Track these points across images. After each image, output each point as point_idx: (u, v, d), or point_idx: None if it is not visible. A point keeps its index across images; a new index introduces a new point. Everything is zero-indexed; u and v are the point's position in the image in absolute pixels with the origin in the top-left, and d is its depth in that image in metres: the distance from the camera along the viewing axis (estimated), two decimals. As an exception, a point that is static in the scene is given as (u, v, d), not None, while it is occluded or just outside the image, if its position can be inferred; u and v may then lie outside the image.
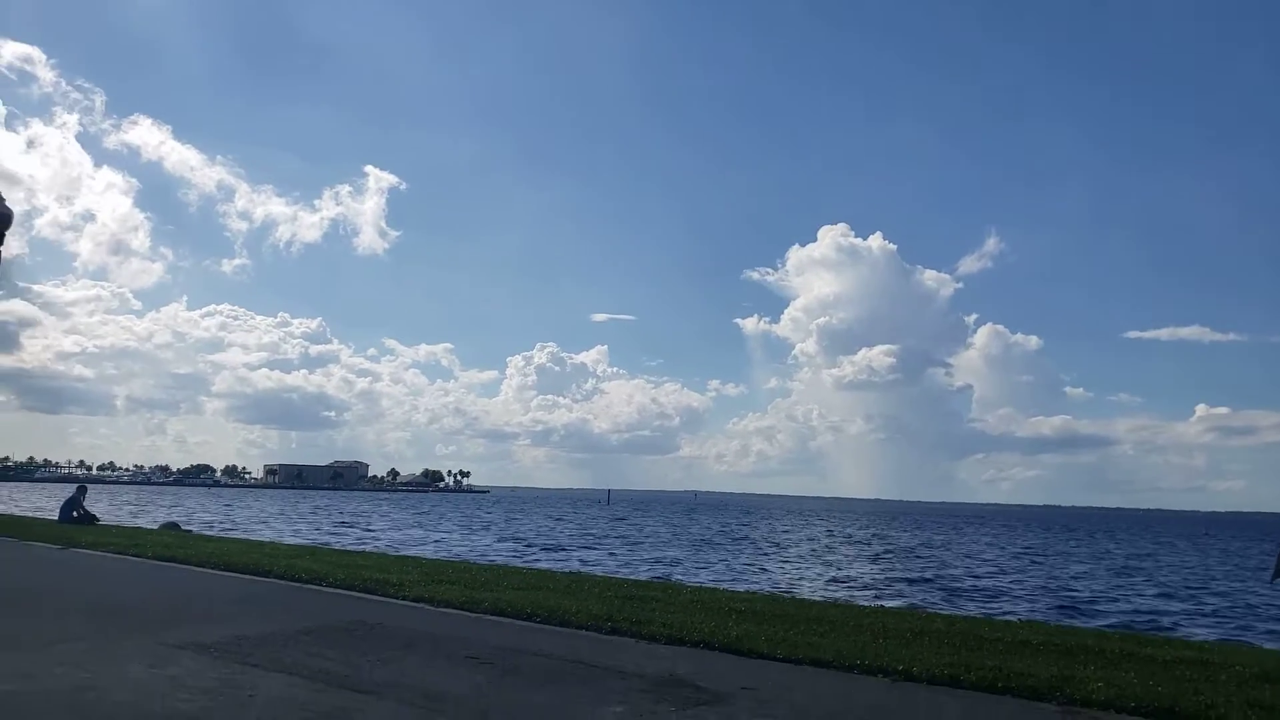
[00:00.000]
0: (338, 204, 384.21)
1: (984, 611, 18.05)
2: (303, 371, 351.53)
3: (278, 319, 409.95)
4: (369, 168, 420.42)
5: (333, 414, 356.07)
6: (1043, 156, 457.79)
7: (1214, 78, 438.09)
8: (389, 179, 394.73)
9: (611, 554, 35.17)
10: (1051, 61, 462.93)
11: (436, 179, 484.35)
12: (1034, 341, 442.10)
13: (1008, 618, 14.20)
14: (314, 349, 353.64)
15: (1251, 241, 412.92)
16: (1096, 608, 21.73)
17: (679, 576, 24.47)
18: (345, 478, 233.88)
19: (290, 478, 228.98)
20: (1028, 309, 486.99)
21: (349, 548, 26.59)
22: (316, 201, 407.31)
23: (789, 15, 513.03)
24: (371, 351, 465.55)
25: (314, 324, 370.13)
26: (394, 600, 10.31)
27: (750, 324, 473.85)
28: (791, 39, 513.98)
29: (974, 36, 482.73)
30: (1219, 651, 8.76)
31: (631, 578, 18.73)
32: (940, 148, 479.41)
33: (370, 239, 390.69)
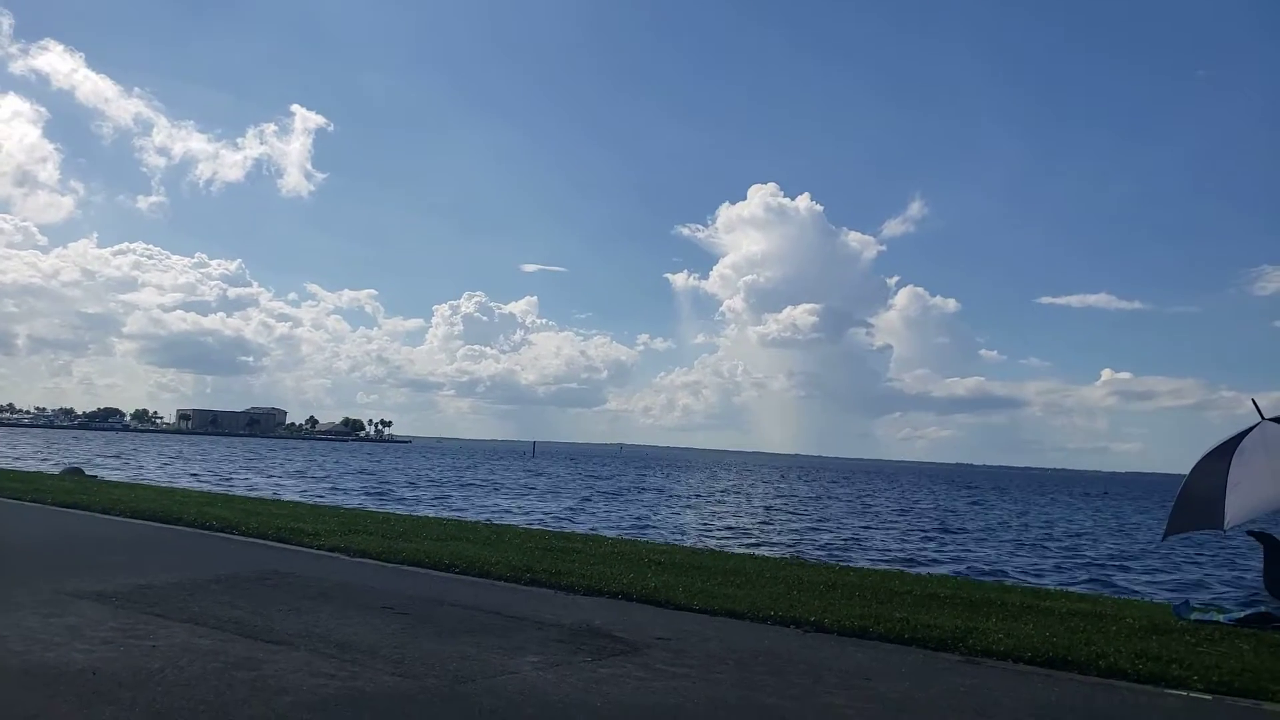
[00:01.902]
0: (262, 143, 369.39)
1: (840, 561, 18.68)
2: (220, 314, 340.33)
3: (195, 259, 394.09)
4: (296, 107, 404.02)
5: (250, 359, 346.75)
6: (967, 125, 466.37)
7: (1129, 54, 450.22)
8: (316, 119, 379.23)
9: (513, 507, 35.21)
10: (977, 35, 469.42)
11: (366, 121, 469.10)
12: (951, 304, 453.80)
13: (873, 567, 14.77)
14: (232, 291, 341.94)
15: (1157, 216, 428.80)
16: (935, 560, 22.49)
17: (581, 528, 24.64)
18: (262, 424, 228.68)
19: (204, 423, 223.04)
20: (947, 272, 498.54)
21: (259, 494, 26.08)
22: (240, 140, 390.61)
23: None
24: (292, 296, 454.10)
25: (233, 266, 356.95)
26: (309, 550, 10.14)
27: (680, 279, 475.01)
28: (731, 4, 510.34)
29: (909, 5, 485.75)
30: (1112, 604, 9.20)
31: (553, 529, 18.79)
32: (870, 113, 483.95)
33: (295, 181, 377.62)
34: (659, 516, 32.37)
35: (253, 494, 26.41)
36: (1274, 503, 6.97)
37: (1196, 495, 7.54)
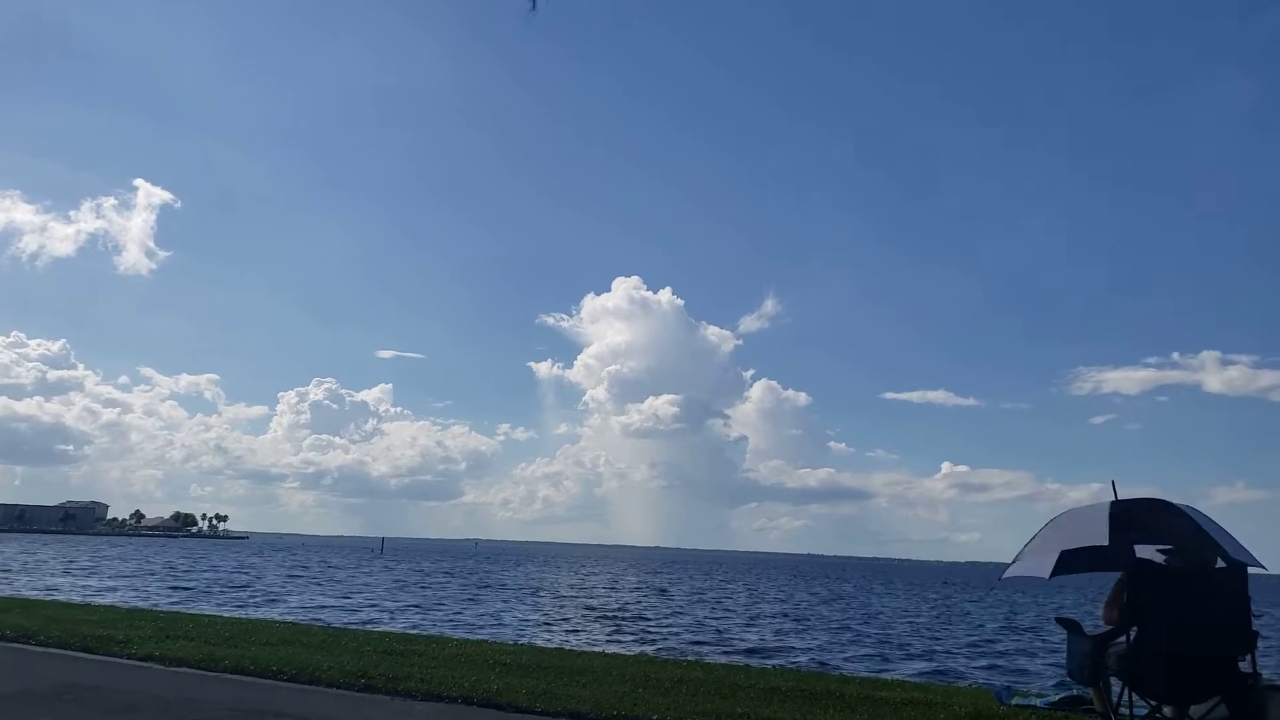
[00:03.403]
0: (99, 217, 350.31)
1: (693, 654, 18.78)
2: (37, 398, 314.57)
3: (10, 338, 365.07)
4: (140, 181, 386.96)
5: (70, 448, 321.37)
6: (818, 230, 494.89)
7: (974, 166, 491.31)
8: (162, 195, 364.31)
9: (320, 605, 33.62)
10: (829, 145, 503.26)
11: (216, 198, 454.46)
12: (803, 397, 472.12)
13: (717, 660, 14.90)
14: (53, 374, 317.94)
15: (989, 320, 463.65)
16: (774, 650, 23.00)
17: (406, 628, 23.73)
18: (79, 520, 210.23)
19: (9, 519, 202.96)
20: (799, 367, 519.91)
21: (64, 598, 23.84)
22: (73, 213, 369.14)
23: (601, 79, 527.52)
24: (124, 380, 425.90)
25: (55, 346, 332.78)
26: (118, 659, 9.32)
27: (544, 368, 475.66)
28: (599, 102, 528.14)
29: (762, 118, 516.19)
30: (941, 692, 9.55)
31: (394, 631, 17.98)
32: (729, 215, 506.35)
33: (134, 258, 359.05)
34: (509, 614, 31.50)
35: (55, 598, 24.12)
36: (1033, 571, 7.42)
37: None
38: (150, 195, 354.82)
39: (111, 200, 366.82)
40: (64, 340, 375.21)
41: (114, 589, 36.43)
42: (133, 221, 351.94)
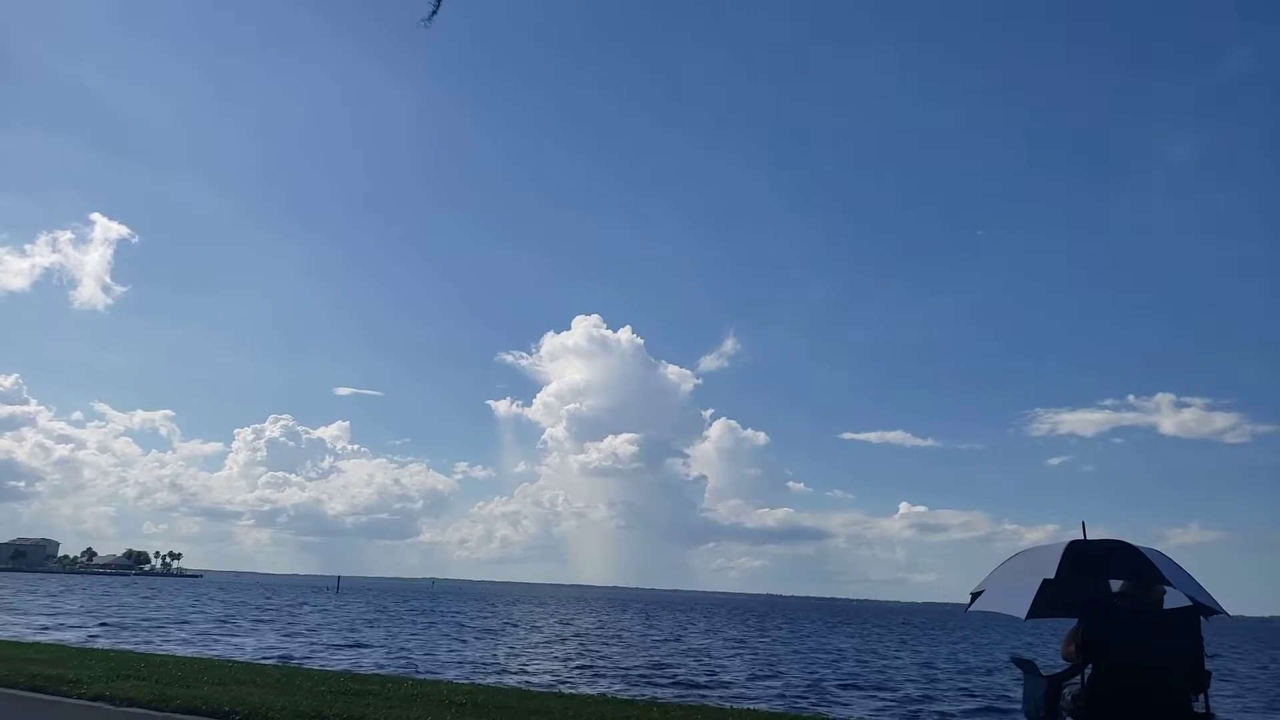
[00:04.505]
0: (55, 251, 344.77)
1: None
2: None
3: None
4: (96, 215, 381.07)
5: (21, 484, 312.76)
6: (777, 269, 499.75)
7: (921, 208, 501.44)
8: (119, 230, 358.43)
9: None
10: (784, 181, 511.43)
11: (174, 233, 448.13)
12: (762, 437, 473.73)
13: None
14: (4, 409, 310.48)
15: (947, 360, 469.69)
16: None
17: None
18: (29, 557, 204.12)
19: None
20: (758, 406, 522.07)
21: (13, 637, 23.18)
22: (29, 246, 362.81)
23: (564, 118, 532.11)
24: (77, 415, 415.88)
25: (8, 381, 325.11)
26: (67, 700, 9.18)
27: (503, 406, 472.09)
28: (560, 140, 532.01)
29: (719, 160, 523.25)
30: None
31: (349, 670, 17.75)
32: (689, 254, 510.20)
33: (90, 293, 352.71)
34: (467, 653, 31.13)
35: (5, 638, 23.44)
36: (1006, 608, 7.59)
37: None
38: (107, 230, 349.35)
39: (68, 234, 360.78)
40: (16, 375, 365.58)
41: (65, 626, 35.49)
42: (89, 256, 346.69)
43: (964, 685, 27.29)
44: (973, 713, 20.48)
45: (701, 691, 21.98)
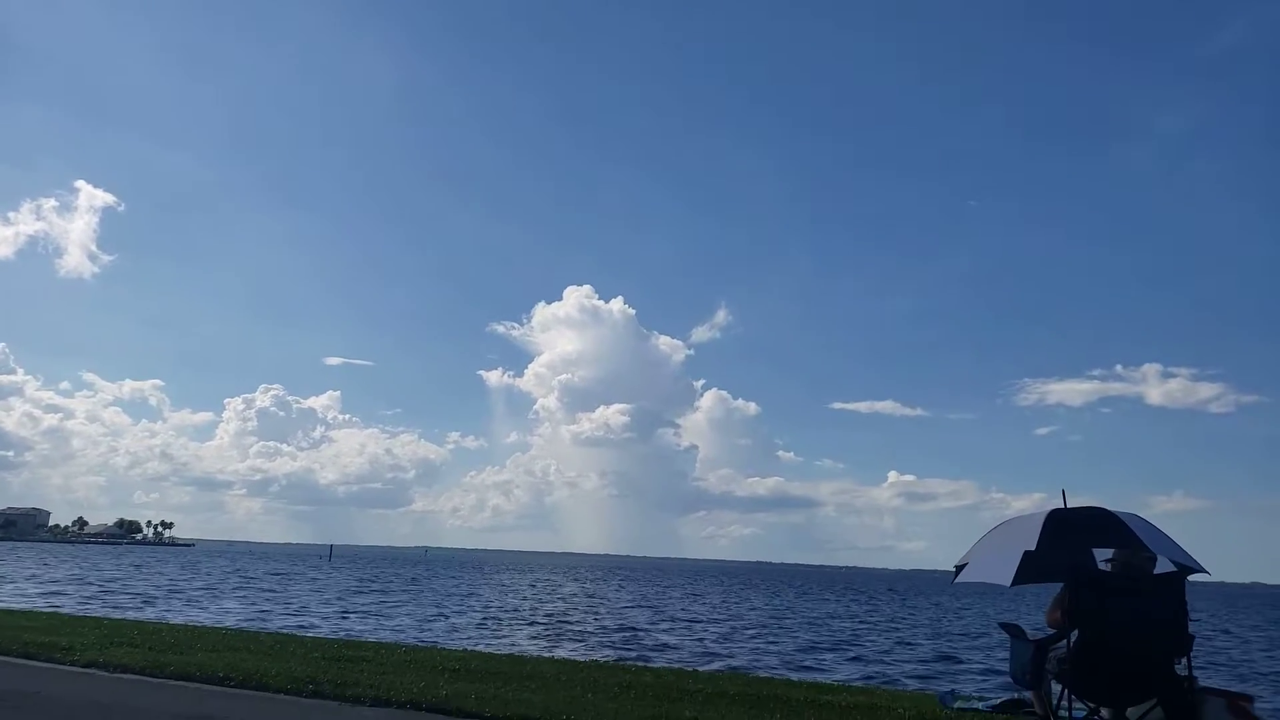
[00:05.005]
0: (39, 219, 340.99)
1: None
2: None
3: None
4: (81, 183, 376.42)
5: (10, 454, 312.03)
6: (768, 239, 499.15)
7: (913, 178, 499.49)
8: (105, 198, 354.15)
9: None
10: (776, 153, 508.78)
11: (161, 202, 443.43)
12: (753, 407, 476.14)
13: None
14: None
15: (936, 331, 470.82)
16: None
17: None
18: (19, 526, 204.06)
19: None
20: (749, 377, 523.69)
21: (6, 605, 23.19)
22: (12, 214, 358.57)
23: (556, 74, 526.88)
24: (65, 385, 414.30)
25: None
26: (60, 666, 9.15)
27: (494, 376, 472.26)
28: (547, 112, 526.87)
29: (710, 129, 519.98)
30: (887, 696, 9.74)
31: (342, 637, 17.80)
32: (680, 223, 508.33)
33: (76, 261, 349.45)
34: (459, 621, 31.30)
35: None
36: (992, 577, 7.68)
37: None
38: (92, 197, 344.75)
39: (52, 202, 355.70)
40: (3, 344, 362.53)
41: (60, 594, 35.55)
42: (74, 224, 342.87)
43: (949, 650, 27.60)
44: (959, 674, 20.71)
45: (693, 655, 22.16)
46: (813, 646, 26.93)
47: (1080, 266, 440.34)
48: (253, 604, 35.77)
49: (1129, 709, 6.94)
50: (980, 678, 19.97)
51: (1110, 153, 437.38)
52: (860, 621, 41.32)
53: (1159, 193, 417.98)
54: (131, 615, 24.45)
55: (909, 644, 29.74)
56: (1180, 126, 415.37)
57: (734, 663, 21.00)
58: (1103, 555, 7.47)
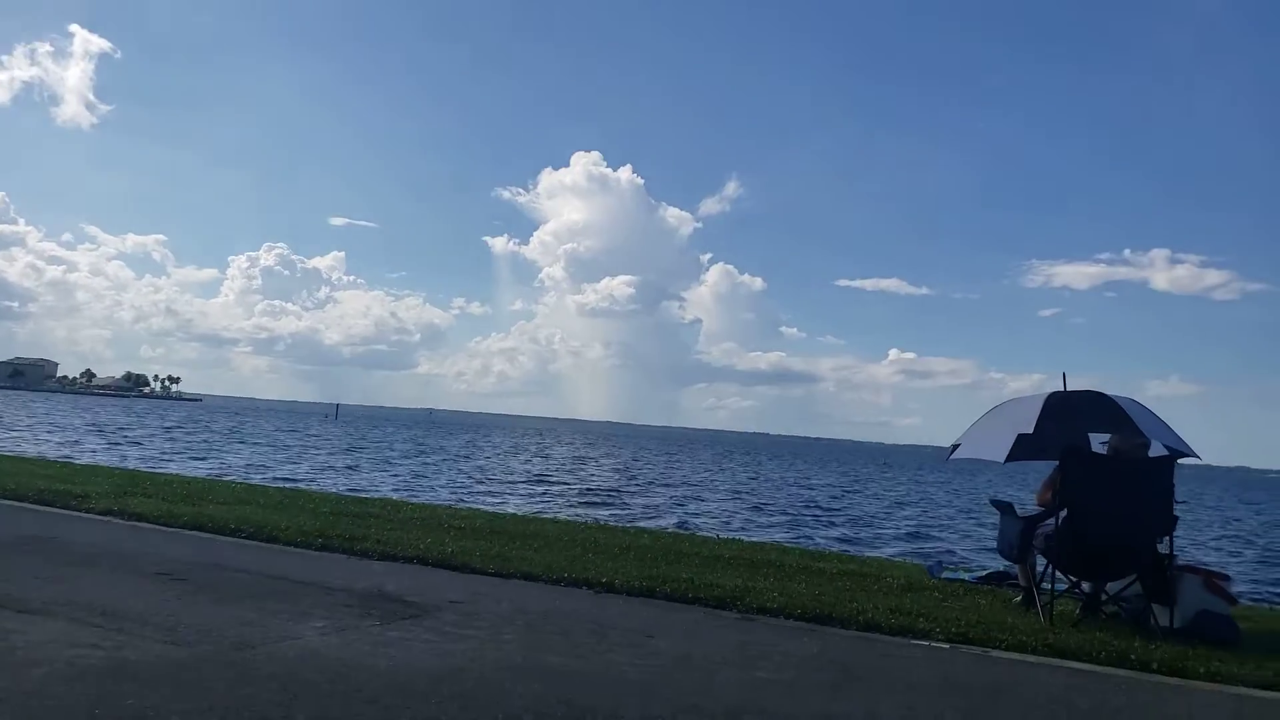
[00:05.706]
0: (33, 64, 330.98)
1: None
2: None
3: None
4: (75, 27, 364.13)
5: (14, 304, 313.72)
6: (784, 118, 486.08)
7: (928, 67, 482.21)
8: (100, 44, 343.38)
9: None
10: (798, 26, 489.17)
11: (160, 50, 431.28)
12: (759, 283, 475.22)
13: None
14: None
15: (947, 212, 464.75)
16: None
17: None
18: (28, 377, 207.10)
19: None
20: (756, 252, 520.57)
21: (20, 452, 23.81)
22: (5, 58, 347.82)
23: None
24: (67, 237, 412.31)
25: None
26: (77, 514, 9.43)
27: (499, 243, 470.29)
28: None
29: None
30: (877, 565, 10.07)
31: (350, 494, 18.29)
32: (694, 92, 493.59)
33: (73, 110, 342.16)
34: (461, 481, 32.14)
35: (11, 452, 24.04)
36: (986, 454, 7.87)
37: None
38: (88, 43, 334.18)
39: (47, 46, 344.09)
40: (3, 194, 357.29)
41: (74, 442, 36.40)
42: (69, 71, 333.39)
43: (945, 522, 28.38)
44: (946, 548, 21.37)
45: (690, 519, 22.83)
46: (809, 521, 27.67)
47: (1096, 151, 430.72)
48: (257, 458, 36.66)
49: (1109, 583, 7.17)
50: (971, 552, 20.58)
51: (1130, 43, 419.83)
52: (855, 492, 42.40)
53: (1177, 82, 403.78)
54: (143, 467, 25.06)
55: (903, 518, 30.57)
56: (1203, 17, 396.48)
57: (732, 531, 21.63)
58: (1099, 439, 7.58)
